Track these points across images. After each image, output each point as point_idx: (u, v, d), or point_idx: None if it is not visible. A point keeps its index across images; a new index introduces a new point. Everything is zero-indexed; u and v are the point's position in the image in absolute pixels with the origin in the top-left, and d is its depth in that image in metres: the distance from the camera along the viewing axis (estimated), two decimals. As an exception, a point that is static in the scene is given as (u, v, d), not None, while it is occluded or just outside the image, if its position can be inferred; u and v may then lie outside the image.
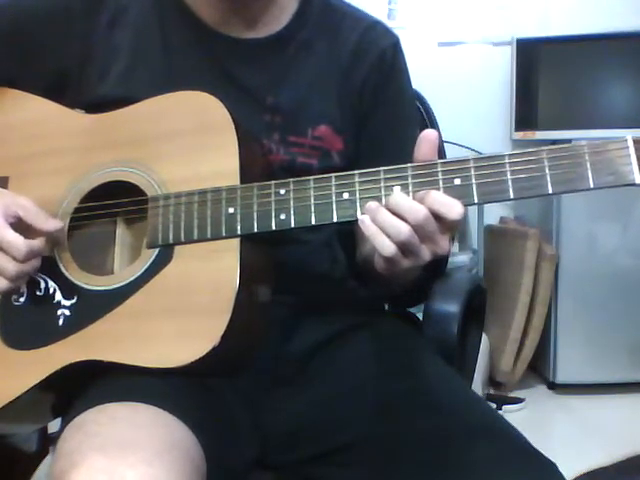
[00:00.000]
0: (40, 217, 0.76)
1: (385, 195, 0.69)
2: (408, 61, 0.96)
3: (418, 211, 0.64)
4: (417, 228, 0.64)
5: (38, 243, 0.74)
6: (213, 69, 0.86)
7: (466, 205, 0.67)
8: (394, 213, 0.65)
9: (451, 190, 0.67)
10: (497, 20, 2.53)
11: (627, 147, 0.64)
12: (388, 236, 0.65)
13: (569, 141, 2.31)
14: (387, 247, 0.65)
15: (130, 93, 0.82)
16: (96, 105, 0.83)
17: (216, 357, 0.70)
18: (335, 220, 0.71)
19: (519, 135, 2.43)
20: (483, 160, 0.67)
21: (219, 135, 0.76)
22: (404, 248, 0.65)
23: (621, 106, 2.39)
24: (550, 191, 0.66)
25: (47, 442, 1.30)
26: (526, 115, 2.42)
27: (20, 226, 0.75)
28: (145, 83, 0.83)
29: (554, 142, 2.50)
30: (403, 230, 0.64)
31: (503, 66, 2.49)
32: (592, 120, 2.38)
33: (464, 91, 2.53)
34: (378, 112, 0.92)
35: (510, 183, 0.66)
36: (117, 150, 0.80)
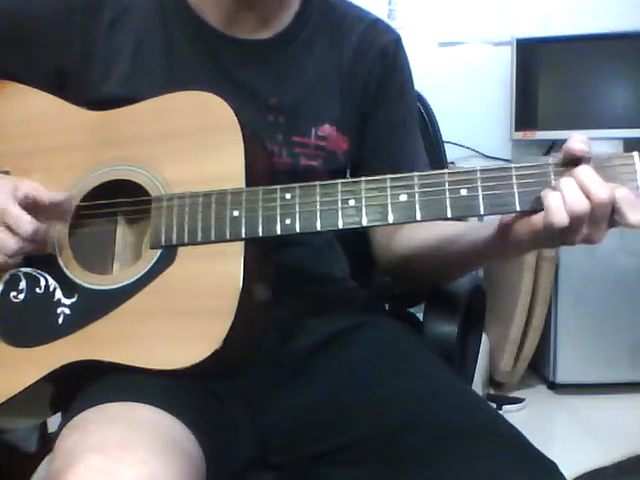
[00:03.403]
0: (45, 192, 0.76)
1: (392, 203, 0.69)
2: (403, 45, 0.96)
3: (603, 192, 0.62)
4: (595, 208, 0.63)
5: (44, 226, 0.74)
6: (216, 70, 0.86)
7: (473, 216, 0.67)
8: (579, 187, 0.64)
9: (457, 200, 0.67)
10: (497, 20, 2.52)
11: (633, 163, 0.64)
12: (564, 205, 0.63)
13: (569, 141, 2.21)
14: (560, 217, 0.63)
15: (133, 93, 0.82)
16: (98, 104, 0.83)
17: (217, 359, 0.69)
18: (340, 227, 0.71)
19: (519, 135, 2.42)
20: (490, 172, 0.67)
21: (224, 136, 0.76)
22: (572, 224, 0.64)
23: (621, 106, 2.39)
24: None
25: (47, 442, 1.30)
26: (526, 115, 2.41)
27: (28, 208, 0.75)
28: (148, 84, 0.83)
29: (554, 142, 2.50)
30: (584, 205, 0.63)
31: (503, 66, 2.48)
32: (592, 120, 2.37)
33: (464, 91, 2.52)
34: (380, 111, 0.92)
35: (516, 196, 0.66)
36: (120, 148, 0.80)
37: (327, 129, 0.88)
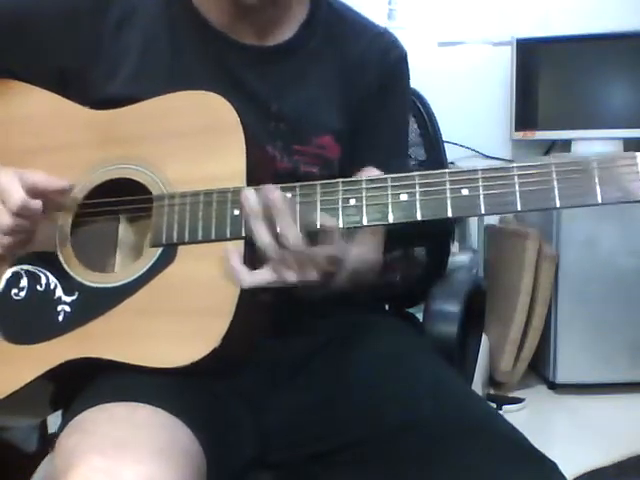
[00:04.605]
0: (48, 179, 0.76)
1: (392, 202, 0.69)
2: (408, 61, 0.96)
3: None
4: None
5: (33, 201, 0.74)
6: (220, 73, 0.86)
7: (473, 216, 0.67)
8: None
9: (458, 200, 0.67)
10: (497, 20, 2.53)
11: (636, 164, 0.64)
12: None
13: (569, 141, 2.32)
14: None
15: (138, 94, 0.82)
16: (103, 104, 0.83)
17: (216, 358, 0.70)
18: (341, 226, 0.71)
19: (519, 135, 2.42)
20: (491, 171, 0.67)
21: (227, 136, 0.76)
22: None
23: (621, 106, 2.39)
24: (557, 205, 0.65)
25: (47, 442, 1.30)
26: (526, 115, 2.42)
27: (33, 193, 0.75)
28: (153, 85, 0.83)
29: (554, 142, 2.50)
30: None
31: (503, 66, 2.49)
32: (592, 120, 2.37)
33: (464, 91, 2.52)
34: (375, 120, 0.92)
35: (518, 196, 0.66)
36: (123, 147, 0.80)
37: (327, 139, 0.88)
